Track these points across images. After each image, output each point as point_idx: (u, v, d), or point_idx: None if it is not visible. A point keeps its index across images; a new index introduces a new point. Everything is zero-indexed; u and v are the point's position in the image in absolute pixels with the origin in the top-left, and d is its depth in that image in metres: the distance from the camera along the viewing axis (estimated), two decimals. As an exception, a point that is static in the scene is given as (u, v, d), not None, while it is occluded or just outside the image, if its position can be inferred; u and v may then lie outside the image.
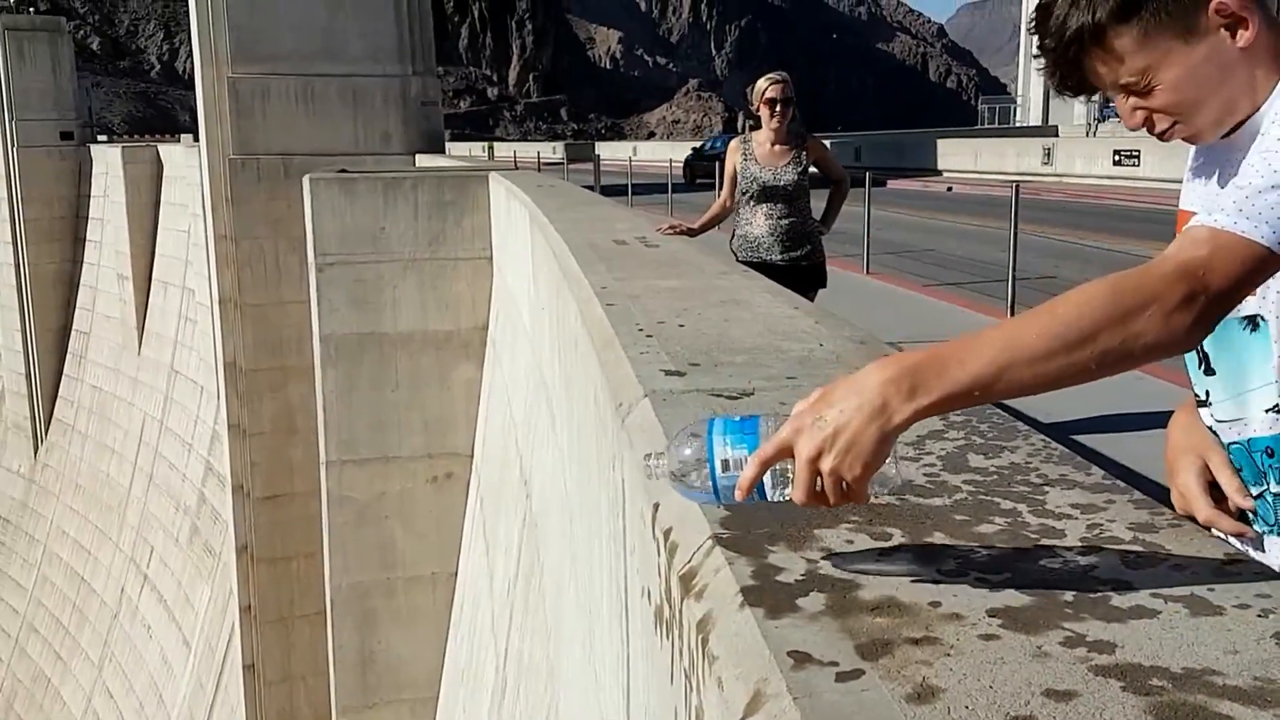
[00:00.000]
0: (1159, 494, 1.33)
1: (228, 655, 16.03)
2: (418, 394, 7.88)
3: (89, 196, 28.30)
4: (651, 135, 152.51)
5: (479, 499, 7.49)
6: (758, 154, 5.36)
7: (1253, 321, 1.32)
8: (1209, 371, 1.36)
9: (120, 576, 23.81)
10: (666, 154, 33.87)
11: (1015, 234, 10.41)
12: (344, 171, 8.54)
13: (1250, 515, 1.36)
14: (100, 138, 39.11)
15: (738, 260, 5.22)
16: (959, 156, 32.93)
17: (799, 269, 5.31)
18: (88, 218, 28.46)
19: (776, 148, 5.32)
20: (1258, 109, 1.29)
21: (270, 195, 12.90)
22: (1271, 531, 1.32)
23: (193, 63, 13.94)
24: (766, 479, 1.03)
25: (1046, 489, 1.31)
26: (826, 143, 5.63)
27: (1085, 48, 1.29)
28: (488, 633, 6.05)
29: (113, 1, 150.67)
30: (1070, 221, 17.36)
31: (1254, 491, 1.33)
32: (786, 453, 1.00)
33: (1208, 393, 1.37)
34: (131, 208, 24.78)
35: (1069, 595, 1.00)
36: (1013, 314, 9.84)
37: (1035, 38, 1.35)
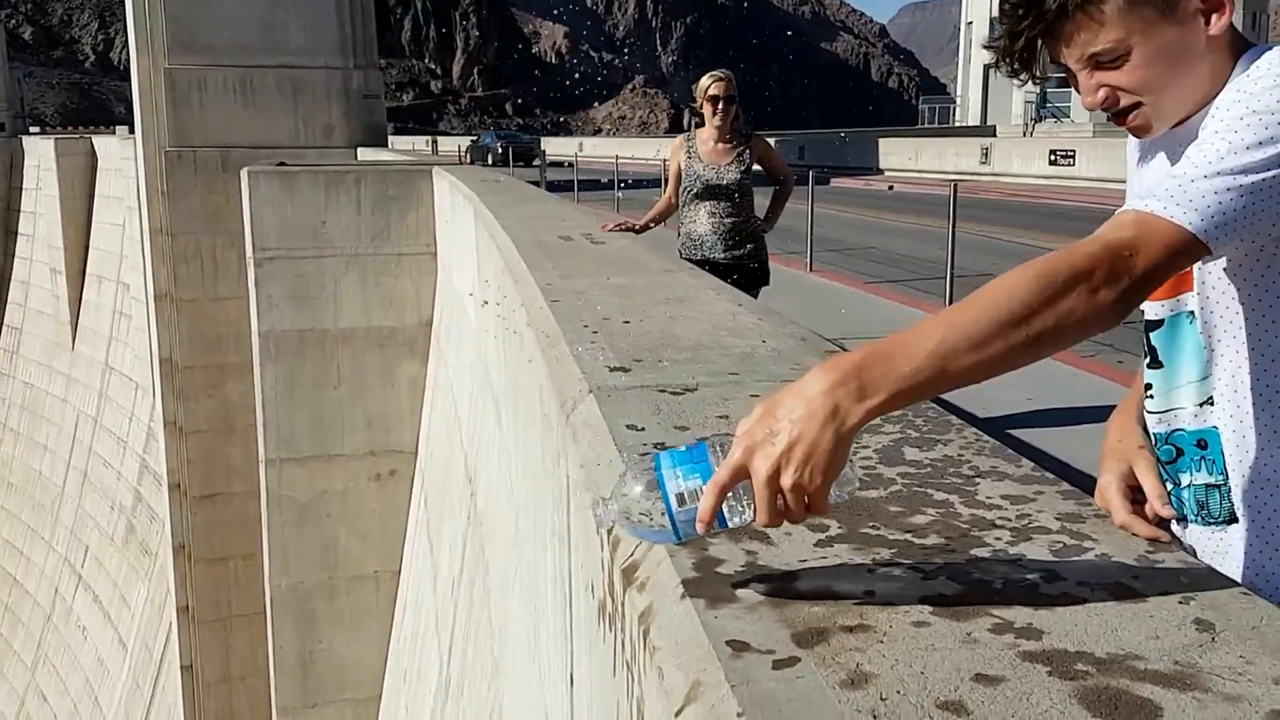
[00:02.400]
0: (1087, 485, 1.37)
1: (165, 656, 15.76)
2: (360, 391, 7.81)
3: (20, 189, 27.60)
4: (598, 131, 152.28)
5: (423, 497, 7.44)
6: (701, 152, 5.37)
7: (1189, 316, 1.34)
8: (1154, 365, 1.38)
9: (54, 577, 23.27)
10: (614, 150, 33.85)
11: (954, 232, 10.57)
12: (284, 164, 8.43)
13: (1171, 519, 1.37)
14: (32, 129, 38.16)
15: (682, 257, 5.24)
16: (900, 156, 33.34)
17: (742, 267, 5.34)
18: (19, 211, 27.76)
19: (720, 145, 5.34)
20: (1208, 102, 1.29)
21: (208, 188, 12.68)
22: (1195, 520, 1.36)
23: (128, 53, 13.66)
24: (724, 506, 0.99)
25: (978, 480, 1.34)
26: (771, 140, 5.66)
27: (1066, 9, 1.26)
28: (431, 631, 6.01)
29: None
30: (1007, 220, 17.67)
31: (1186, 480, 1.35)
32: (742, 474, 0.97)
33: (1150, 385, 1.40)
34: (65, 201, 24.22)
35: (998, 583, 1.03)
36: (952, 311, 10.00)
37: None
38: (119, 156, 21.08)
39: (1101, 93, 1.30)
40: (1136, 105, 1.31)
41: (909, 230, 17.75)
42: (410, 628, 7.22)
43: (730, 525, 1.00)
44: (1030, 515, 1.22)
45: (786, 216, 5.70)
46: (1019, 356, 1.03)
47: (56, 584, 23.09)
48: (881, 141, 35.70)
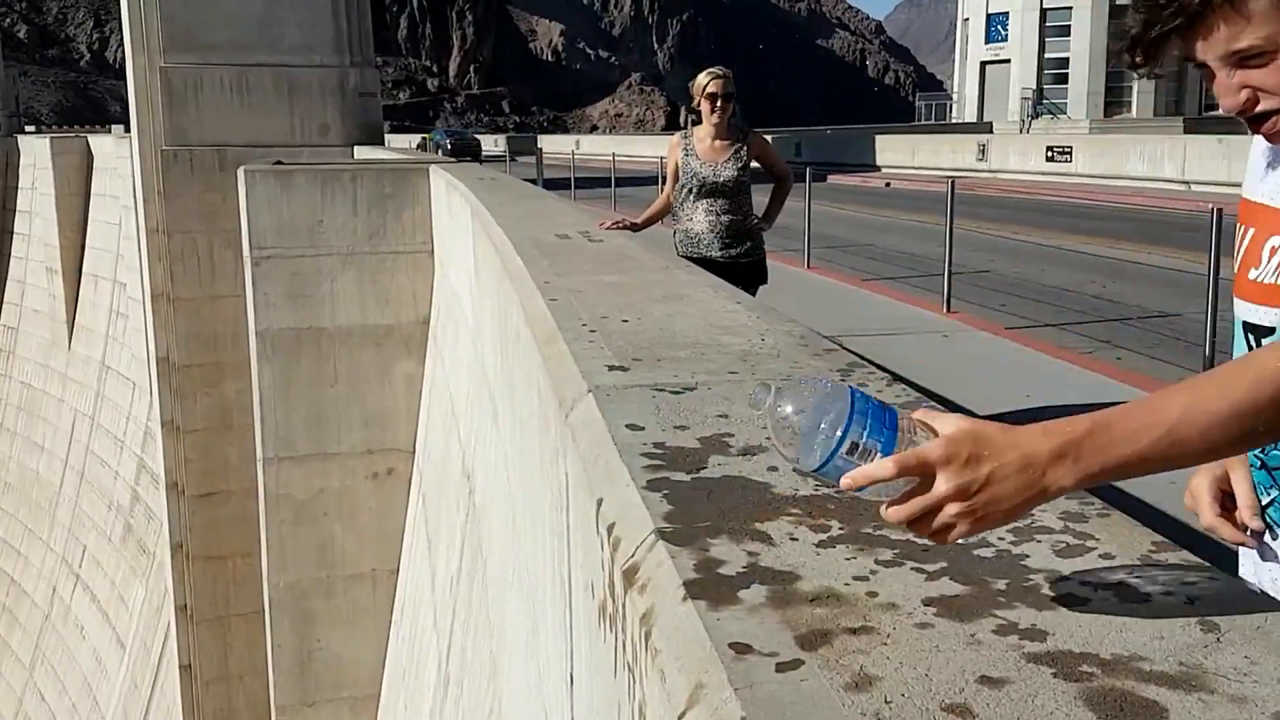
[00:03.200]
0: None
1: (163, 655, 15.75)
2: (357, 389, 7.80)
3: (16, 188, 27.56)
4: (594, 129, 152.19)
5: (420, 495, 7.43)
6: (698, 149, 5.36)
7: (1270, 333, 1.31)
8: None
9: (51, 576, 23.25)
10: (610, 148, 33.84)
11: (951, 229, 10.57)
12: (280, 163, 8.41)
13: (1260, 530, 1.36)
14: (28, 128, 38.08)
15: (679, 255, 5.23)
16: (897, 152, 33.34)
17: (740, 265, 5.32)
18: (15, 210, 27.72)
19: (717, 143, 5.33)
20: None
21: (204, 187, 12.66)
22: None
23: (124, 52, 13.63)
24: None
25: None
26: (768, 138, 5.65)
27: (1211, 3, 1.19)
28: (430, 630, 6.01)
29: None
30: (1004, 216, 17.67)
31: (1266, 499, 1.32)
32: (924, 472, 0.95)
33: None
34: (60, 200, 24.18)
35: (1002, 584, 1.03)
36: (948, 309, 10.00)
37: None
38: (115, 155, 21.05)
39: (1244, 94, 1.24)
40: (1277, 110, 1.24)
41: (906, 227, 17.74)
42: (408, 626, 7.21)
43: (863, 495, 0.98)
44: (1034, 515, 1.21)
45: (783, 214, 5.68)
46: (1245, 449, 1.04)
47: (54, 584, 23.07)
48: (878, 138, 35.71)
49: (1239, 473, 1.33)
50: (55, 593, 22.92)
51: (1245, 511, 1.26)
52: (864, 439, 0.96)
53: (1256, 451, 1.33)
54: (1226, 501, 1.29)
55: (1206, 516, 1.23)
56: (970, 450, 0.95)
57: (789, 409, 0.99)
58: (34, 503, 24.86)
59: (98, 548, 21.38)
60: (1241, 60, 1.22)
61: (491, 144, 47.31)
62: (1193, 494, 1.29)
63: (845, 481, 0.96)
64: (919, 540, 1.14)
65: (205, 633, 12.66)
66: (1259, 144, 1.39)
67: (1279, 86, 1.22)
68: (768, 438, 1.02)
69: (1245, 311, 1.34)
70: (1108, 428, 0.98)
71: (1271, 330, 1.32)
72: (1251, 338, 1.34)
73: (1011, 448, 0.96)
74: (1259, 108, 1.24)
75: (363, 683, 7.88)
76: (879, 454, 0.96)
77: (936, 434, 0.97)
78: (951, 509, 0.95)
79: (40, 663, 22.74)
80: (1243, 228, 1.37)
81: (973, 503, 0.95)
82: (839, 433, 0.96)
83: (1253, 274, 1.32)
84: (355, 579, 7.92)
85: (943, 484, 0.95)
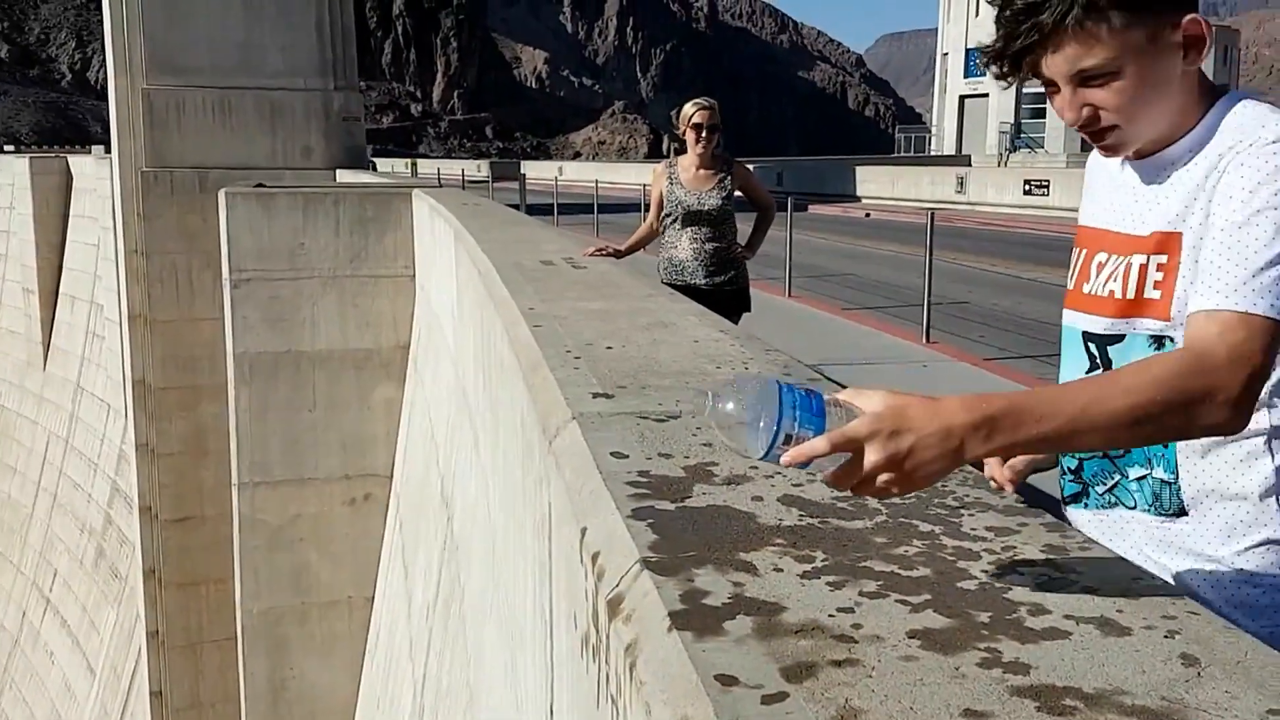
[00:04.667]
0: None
1: (134, 682, 15.53)
2: (336, 414, 7.76)
3: (-7, 207, 27.34)
4: (577, 155, 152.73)
5: (398, 521, 7.38)
6: (683, 178, 5.39)
7: (1159, 340, 1.41)
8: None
9: (21, 600, 22.92)
10: (593, 175, 33.94)
11: (930, 260, 10.65)
12: (262, 185, 8.40)
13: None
14: (7, 148, 37.91)
15: (663, 283, 5.25)
16: (877, 183, 33.61)
17: (723, 293, 5.35)
18: (-9, 229, 27.48)
19: (701, 172, 5.36)
20: (1179, 136, 1.39)
21: (184, 209, 12.62)
22: (1149, 509, 1.47)
23: (105, 73, 13.61)
24: None
25: (962, 512, 1.34)
26: (750, 167, 5.69)
27: (1064, 23, 1.31)
28: (405, 658, 5.95)
29: (23, 8, 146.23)
30: (983, 249, 17.83)
31: (1139, 473, 1.47)
32: (854, 448, 1.07)
33: None
34: (39, 220, 24.03)
35: (985, 617, 1.03)
36: (927, 339, 10.06)
37: (1000, 3, 1.36)
38: (94, 176, 20.96)
39: (1085, 110, 1.36)
40: (1114, 127, 1.37)
41: (886, 257, 17.87)
42: (383, 655, 7.14)
43: (805, 470, 1.11)
44: (1015, 547, 1.22)
45: (765, 243, 5.72)
46: (1133, 443, 1.17)
47: (24, 607, 22.74)
48: (859, 169, 36.00)
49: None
50: (25, 617, 22.59)
51: (1006, 470, 1.46)
52: (796, 429, 1.08)
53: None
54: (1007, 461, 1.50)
55: (989, 469, 1.42)
56: (892, 425, 1.06)
57: (729, 407, 1.10)
58: (5, 525, 24.54)
59: (69, 572, 21.10)
60: (1085, 79, 1.34)
61: (474, 169, 47.40)
62: (989, 476, 1.49)
63: (785, 459, 1.08)
64: (903, 573, 1.15)
65: (177, 659, 12.50)
66: (1086, 179, 1.56)
67: (1117, 106, 1.35)
68: (715, 434, 1.13)
69: (1082, 322, 1.53)
70: (1020, 409, 1.10)
71: (1119, 338, 1.47)
72: (1092, 345, 1.51)
73: (931, 420, 1.07)
74: (1098, 125, 1.38)
75: (336, 711, 7.79)
76: (812, 436, 1.08)
77: (863, 411, 1.09)
78: (883, 476, 1.07)
79: (9, 688, 22.37)
80: (1076, 249, 1.55)
81: (900, 471, 1.07)
82: (775, 427, 1.07)
83: (1085, 288, 1.51)
84: (330, 606, 7.85)
85: (872, 455, 1.06)
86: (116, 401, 18.58)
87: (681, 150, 5.48)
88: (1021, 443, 1.10)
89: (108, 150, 16.10)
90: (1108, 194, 1.51)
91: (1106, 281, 1.46)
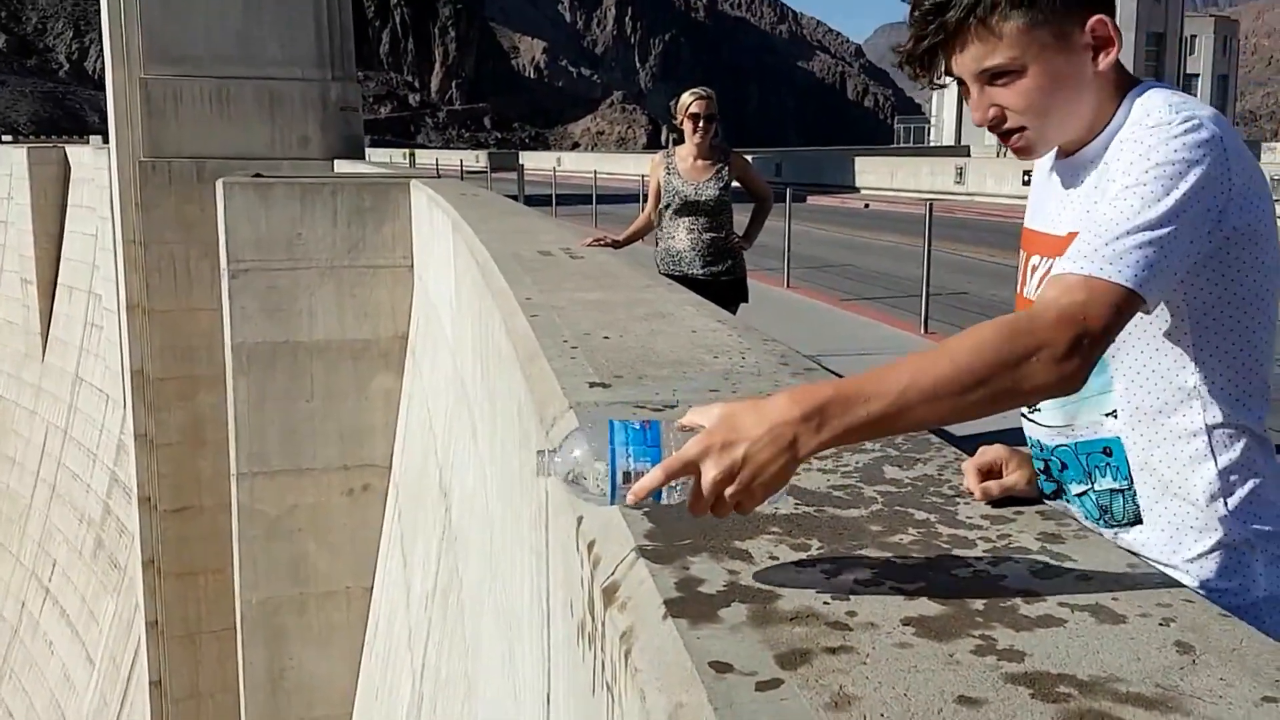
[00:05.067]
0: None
1: (133, 672, 15.56)
2: (334, 404, 7.76)
3: (-10, 198, 27.30)
4: (575, 146, 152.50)
5: (396, 511, 7.39)
6: (680, 168, 5.39)
7: None
8: None
9: (20, 591, 22.95)
10: (591, 165, 33.91)
11: (929, 250, 10.64)
12: (259, 175, 8.38)
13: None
14: (5, 138, 37.84)
15: (661, 273, 5.25)
16: (876, 174, 33.57)
17: (721, 283, 5.34)
18: (-11, 220, 27.44)
19: (699, 162, 5.35)
20: (1095, 136, 1.39)
21: (182, 199, 12.60)
22: (1098, 522, 1.45)
23: (103, 63, 13.57)
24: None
25: (958, 500, 1.34)
26: (749, 158, 5.68)
27: (968, 21, 1.33)
28: (404, 648, 5.97)
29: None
30: (981, 239, 17.82)
31: (1079, 489, 1.45)
32: (692, 470, 1.05)
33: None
34: (37, 210, 24.01)
35: (980, 604, 1.03)
36: (926, 330, 10.06)
37: (911, 2, 1.38)
38: (92, 166, 20.92)
39: (991, 110, 1.37)
40: (1021, 129, 1.38)
41: (885, 248, 17.86)
42: (382, 644, 7.16)
43: (663, 501, 1.07)
44: (1010, 535, 1.22)
45: (763, 233, 5.71)
46: (972, 412, 1.12)
47: (23, 598, 22.77)
48: (857, 160, 35.95)
49: (1022, 472, 1.43)
50: (24, 607, 22.63)
51: (993, 486, 1.37)
52: (632, 465, 1.06)
53: (1066, 449, 1.44)
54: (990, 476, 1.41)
55: (970, 484, 1.36)
56: (722, 438, 1.05)
57: (558, 462, 1.09)
58: (4, 516, 24.56)
59: (68, 562, 21.13)
60: (991, 78, 1.35)
61: (473, 160, 47.33)
62: (964, 471, 1.41)
63: (629, 499, 1.06)
64: (898, 560, 1.15)
65: (176, 649, 12.52)
66: (1038, 165, 1.55)
67: (1021, 106, 1.36)
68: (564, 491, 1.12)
69: None
70: (847, 393, 1.08)
71: None
72: None
73: (759, 423, 1.06)
74: (1005, 125, 1.38)
75: (335, 701, 7.81)
76: (651, 465, 1.06)
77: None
78: (727, 491, 1.05)
79: (8, 678, 22.42)
80: (1022, 253, 1.54)
81: (740, 480, 1.05)
82: (610, 469, 1.06)
83: (1025, 292, 1.50)
84: (329, 596, 7.86)
85: (707, 474, 1.05)
86: (115, 392, 18.58)
87: (680, 141, 5.47)
88: (856, 427, 1.07)
89: (105, 140, 16.07)
90: (1040, 196, 1.52)
91: (1038, 285, 1.45)
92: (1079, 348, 1.14)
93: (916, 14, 1.37)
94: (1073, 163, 1.43)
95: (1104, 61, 1.35)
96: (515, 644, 2.25)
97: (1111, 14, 1.37)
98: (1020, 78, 1.34)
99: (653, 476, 1.05)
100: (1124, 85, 1.40)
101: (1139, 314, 1.29)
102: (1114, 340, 1.22)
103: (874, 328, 10.60)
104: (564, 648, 1.46)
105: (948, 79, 1.41)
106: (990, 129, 1.40)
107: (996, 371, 1.11)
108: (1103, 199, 1.29)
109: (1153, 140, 1.27)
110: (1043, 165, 1.54)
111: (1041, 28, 1.32)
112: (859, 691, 0.86)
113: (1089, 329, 1.16)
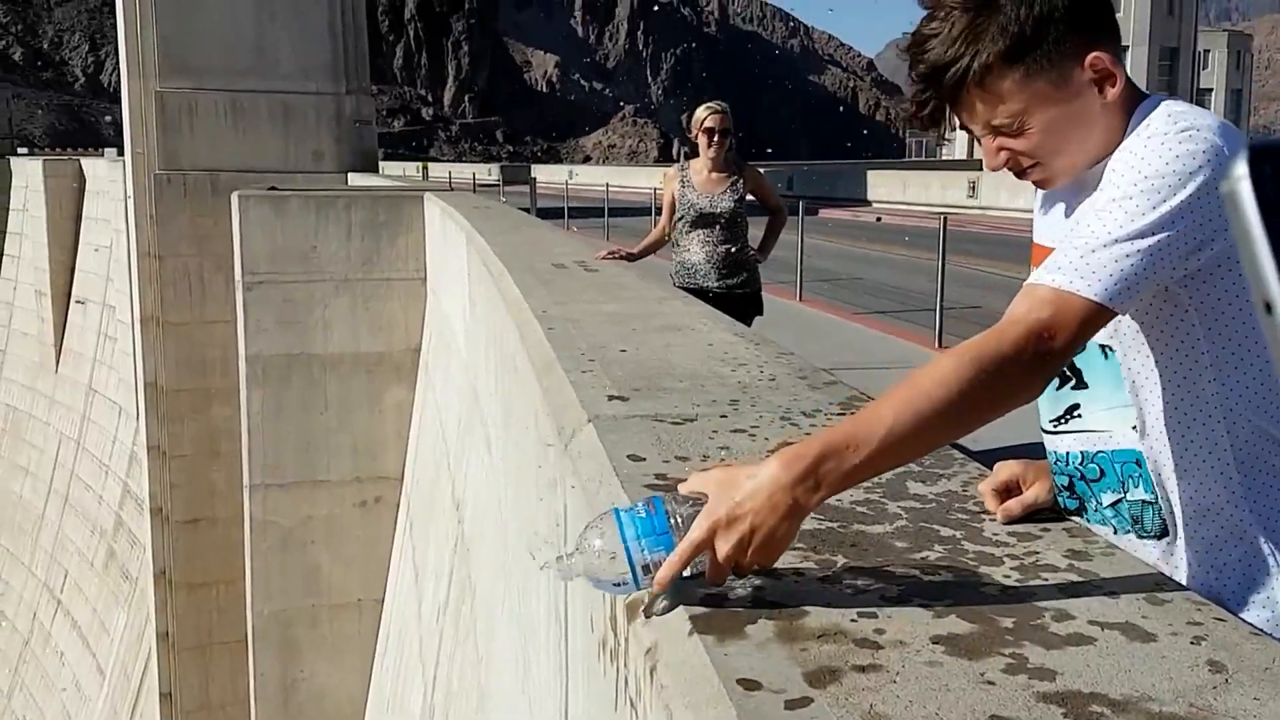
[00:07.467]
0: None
1: (144, 683, 15.56)
2: (347, 416, 7.77)
3: (7, 210, 27.53)
4: (587, 159, 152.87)
5: (408, 523, 7.38)
6: (695, 181, 5.39)
7: (1103, 350, 1.41)
8: (1080, 386, 1.45)
9: (32, 601, 23.01)
10: (603, 178, 33.98)
11: (943, 264, 10.62)
12: (274, 189, 8.42)
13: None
14: (21, 150, 38.12)
15: (675, 286, 5.24)
16: (888, 187, 33.54)
17: (735, 296, 5.33)
18: (5, 232, 27.67)
19: (713, 175, 5.35)
20: (1105, 154, 1.39)
21: (196, 212, 12.66)
22: (1130, 532, 1.43)
23: (119, 76, 13.67)
24: None
25: (983, 517, 1.33)
26: (761, 171, 5.68)
27: (965, 86, 1.34)
28: (415, 660, 5.95)
29: (36, 11, 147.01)
30: (995, 253, 17.75)
31: (1112, 498, 1.43)
32: (704, 548, 1.08)
33: (1075, 406, 1.45)
34: (52, 223, 24.16)
35: (1009, 622, 1.02)
36: (940, 345, 10.03)
37: (909, 65, 1.39)
38: (107, 179, 21.05)
39: (1003, 156, 1.40)
40: (1036, 164, 1.40)
41: (897, 261, 17.83)
42: (394, 657, 7.14)
43: (685, 574, 1.09)
44: (1038, 552, 1.21)
45: (776, 247, 5.71)
46: (959, 433, 1.18)
47: (35, 609, 22.83)
48: (870, 173, 35.93)
49: (1042, 484, 1.43)
50: (35, 618, 22.68)
51: (1015, 505, 1.37)
52: (648, 557, 1.07)
53: (1105, 455, 1.42)
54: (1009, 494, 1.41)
55: (989, 506, 1.37)
56: (725, 515, 1.08)
57: (581, 562, 1.10)
58: (16, 526, 24.64)
59: (80, 573, 21.18)
60: (998, 131, 1.38)
61: (485, 173, 47.47)
62: (980, 493, 1.42)
63: (655, 589, 1.09)
64: (925, 577, 1.14)
65: (187, 661, 12.52)
66: (1037, 194, 1.56)
67: (1031, 150, 1.38)
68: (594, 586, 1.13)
69: None
70: (835, 445, 1.11)
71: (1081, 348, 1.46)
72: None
73: (756, 493, 1.09)
74: (1019, 168, 1.42)
75: (346, 714, 7.79)
76: (666, 553, 1.08)
77: (705, 495, 1.11)
78: (744, 560, 1.09)
79: (19, 689, 22.46)
80: (1032, 270, 1.54)
81: (752, 550, 1.08)
82: (628, 565, 1.08)
83: None
84: (341, 608, 7.85)
85: (721, 550, 1.08)
86: (128, 403, 18.65)
87: (694, 154, 5.47)
88: (850, 473, 1.11)
89: (120, 153, 16.17)
90: (1048, 211, 1.53)
91: None
92: (1043, 361, 1.18)
93: (914, 75, 1.38)
94: (1077, 179, 1.43)
95: (1111, 94, 1.36)
96: (530, 657, 2.24)
97: (1110, 45, 1.36)
98: (1027, 127, 1.36)
99: (670, 567, 1.07)
100: (1134, 101, 1.40)
101: (1153, 327, 1.31)
102: (1079, 350, 1.25)
103: (888, 341, 10.57)
104: (583, 662, 1.45)
105: (957, 131, 1.44)
106: (1010, 171, 1.42)
107: (972, 395, 1.14)
108: (1089, 209, 1.30)
109: (1145, 151, 1.27)
110: None
111: (1039, 77, 1.33)
112: (890, 710, 0.85)
113: (1053, 347, 1.19)
